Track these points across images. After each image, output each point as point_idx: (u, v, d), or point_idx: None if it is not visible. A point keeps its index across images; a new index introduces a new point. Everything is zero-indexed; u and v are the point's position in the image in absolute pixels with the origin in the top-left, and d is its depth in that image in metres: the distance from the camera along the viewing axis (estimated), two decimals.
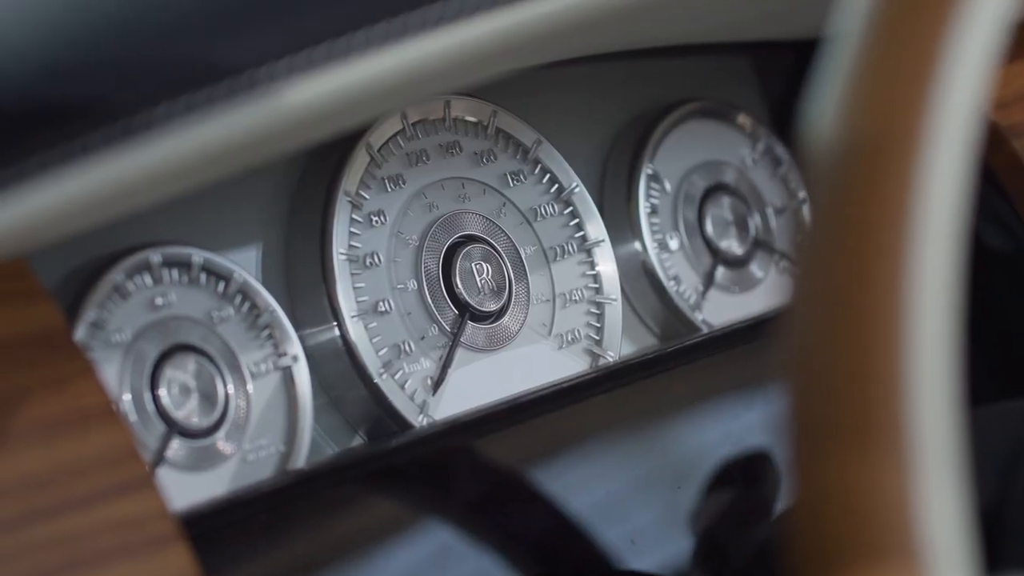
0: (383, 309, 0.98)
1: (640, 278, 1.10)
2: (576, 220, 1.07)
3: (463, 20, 0.76)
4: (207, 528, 0.84)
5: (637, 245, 1.10)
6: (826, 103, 0.57)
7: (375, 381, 0.96)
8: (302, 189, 0.98)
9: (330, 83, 0.74)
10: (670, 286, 1.10)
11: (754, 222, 1.15)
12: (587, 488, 0.96)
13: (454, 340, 0.99)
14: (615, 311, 1.06)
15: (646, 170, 1.11)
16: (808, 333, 0.54)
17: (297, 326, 0.95)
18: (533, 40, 0.79)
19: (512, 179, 1.05)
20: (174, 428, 0.89)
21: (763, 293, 1.15)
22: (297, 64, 0.73)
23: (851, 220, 0.55)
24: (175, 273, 0.90)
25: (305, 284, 0.96)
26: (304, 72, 0.73)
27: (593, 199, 1.07)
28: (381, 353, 0.97)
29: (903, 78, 0.56)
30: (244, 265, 0.94)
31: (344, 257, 0.96)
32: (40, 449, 0.75)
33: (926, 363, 0.52)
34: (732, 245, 1.14)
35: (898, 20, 0.57)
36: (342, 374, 0.96)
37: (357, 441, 0.98)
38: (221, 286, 0.92)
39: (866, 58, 0.57)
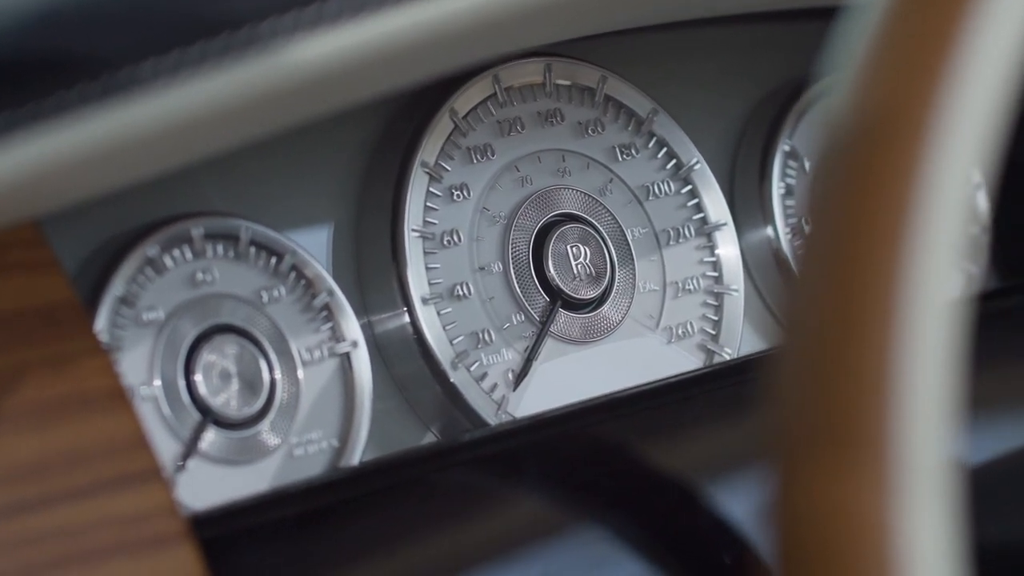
0: (461, 293, 0.89)
1: (771, 267, 1.00)
2: (695, 200, 0.97)
3: None
4: (238, 528, 0.77)
5: (769, 230, 0.99)
6: (839, 78, 0.48)
7: (447, 373, 0.87)
8: (377, 159, 0.91)
9: (341, 42, 0.66)
10: None
11: None
12: (688, 502, 0.87)
13: (542, 329, 0.91)
14: (736, 303, 0.96)
15: (783, 146, 1.01)
16: (793, 334, 0.50)
17: (366, 311, 0.88)
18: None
19: (621, 153, 0.95)
20: (209, 417, 0.82)
21: None
22: (305, 19, 0.65)
23: (844, 213, 0.46)
24: (220, 247, 0.83)
25: (374, 264, 0.89)
26: (312, 28, 0.65)
27: (721, 179, 0.97)
28: (456, 342, 0.89)
29: (917, 54, 0.46)
30: (311, 243, 0.87)
31: (417, 234, 0.88)
32: (33, 434, 0.70)
33: (918, 376, 0.48)
34: None
35: None
36: (411, 364, 0.88)
37: (428, 439, 0.90)
38: (273, 262, 0.85)
39: (881, 28, 0.47)
